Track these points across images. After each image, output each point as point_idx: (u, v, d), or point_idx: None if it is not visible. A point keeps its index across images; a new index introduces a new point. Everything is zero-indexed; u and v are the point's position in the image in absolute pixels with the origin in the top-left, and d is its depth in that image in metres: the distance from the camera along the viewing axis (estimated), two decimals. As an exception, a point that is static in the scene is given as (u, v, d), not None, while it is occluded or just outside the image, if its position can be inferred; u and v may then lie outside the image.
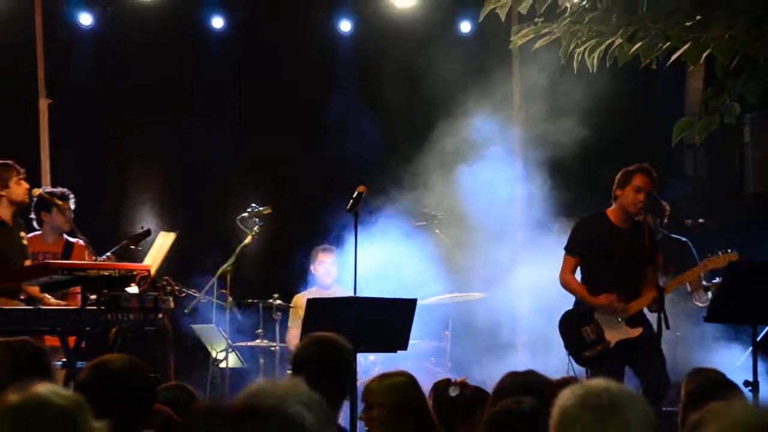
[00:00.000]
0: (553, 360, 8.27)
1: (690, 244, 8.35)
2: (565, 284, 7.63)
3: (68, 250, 8.11)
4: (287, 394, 2.28)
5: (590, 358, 7.44)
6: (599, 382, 2.65)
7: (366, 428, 4.60)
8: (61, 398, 2.39)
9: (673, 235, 8.67)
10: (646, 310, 7.51)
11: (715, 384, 4.56)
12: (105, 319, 6.73)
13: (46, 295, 7.42)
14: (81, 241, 7.86)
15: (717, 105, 6.66)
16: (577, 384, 2.68)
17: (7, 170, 7.38)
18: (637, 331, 7.40)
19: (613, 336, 7.43)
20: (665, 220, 7.45)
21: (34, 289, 7.36)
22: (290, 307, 9.38)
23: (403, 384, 4.57)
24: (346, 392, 4.54)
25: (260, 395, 2.31)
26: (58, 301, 7.58)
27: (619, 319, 7.43)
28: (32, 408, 2.34)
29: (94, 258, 7.52)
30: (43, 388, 2.41)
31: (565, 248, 7.71)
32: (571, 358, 7.58)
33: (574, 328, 7.55)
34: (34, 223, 8.13)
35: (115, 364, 3.90)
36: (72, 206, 7.99)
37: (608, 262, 7.50)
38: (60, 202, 7.84)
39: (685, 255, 8.22)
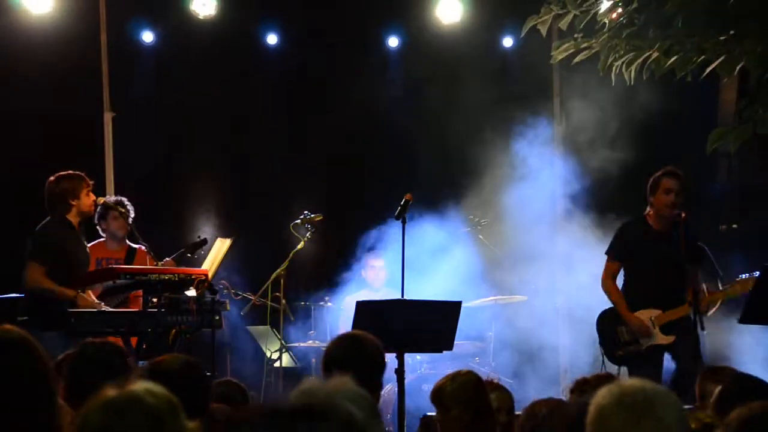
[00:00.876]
0: (593, 363, 8.46)
1: (706, 249, 8.48)
2: (606, 290, 7.77)
3: (131, 255, 8.32)
4: (336, 391, 2.31)
5: (622, 357, 7.61)
6: (635, 381, 2.68)
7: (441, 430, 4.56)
8: (153, 397, 2.41)
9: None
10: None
11: (748, 385, 4.40)
12: (165, 321, 7.00)
13: (101, 303, 7.68)
14: (143, 247, 8.13)
15: (750, 115, 6.84)
16: (614, 383, 2.70)
17: (80, 182, 7.56)
18: (669, 339, 7.53)
19: (645, 340, 7.59)
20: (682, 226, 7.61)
21: (92, 297, 7.64)
22: (341, 309, 9.65)
23: (475, 381, 4.60)
24: (379, 389, 4.46)
25: (310, 393, 2.32)
26: (112, 309, 7.79)
27: (654, 325, 7.58)
28: (122, 404, 2.38)
29: (155, 263, 7.81)
30: (138, 386, 2.43)
31: (606, 252, 7.86)
32: (604, 355, 7.76)
33: (611, 327, 7.71)
34: (100, 231, 8.42)
35: (173, 364, 3.96)
36: (131, 213, 8.23)
37: (647, 266, 7.64)
38: (121, 210, 8.07)
39: (703, 260, 8.34)
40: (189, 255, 7.93)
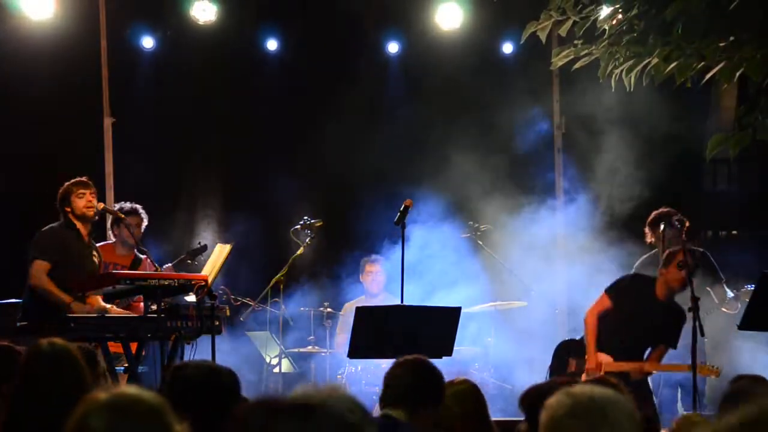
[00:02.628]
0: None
1: (708, 254, 8.52)
2: (586, 321, 7.73)
3: (136, 264, 8.38)
4: (329, 398, 2.30)
5: None
6: (584, 389, 2.71)
7: None
8: (149, 396, 2.43)
9: (692, 247, 8.79)
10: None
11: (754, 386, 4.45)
12: (165, 327, 6.94)
13: (112, 306, 7.70)
14: (144, 257, 8.14)
15: (749, 121, 6.84)
16: (562, 392, 2.72)
17: (71, 186, 7.64)
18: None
19: (587, 376, 7.50)
20: (683, 236, 7.66)
21: (97, 301, 7.66)
22: (340, 315, 9.67)
23: (469, 391, 4.56)
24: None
25: (305, 398, 2.29)
26: (122, 310, 7.82)
27: (601, 370, 7.47)
28: (125, 403, 2.39)
29: (155, 269, 7.81)
30: (130, 388, 2.46)
31: (607, 289, 7.76)
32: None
33: (564, 356, 7.80)
34: (111, 235, 8.49)
35: (223, 372, 3.92)
36: (145, 221, 8.30)
37: (632, 323, 7.60)
38: (123, 217, 8.09)
39: (704, 265, 8.38)
40: (189, 261, 7.95)
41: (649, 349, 7.66)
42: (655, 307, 7.59)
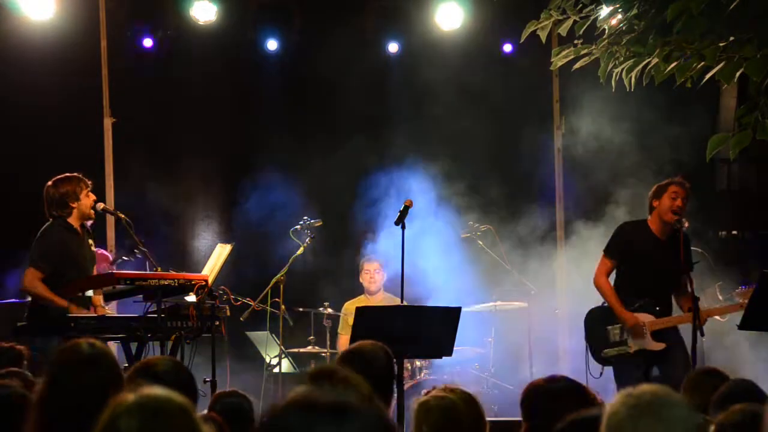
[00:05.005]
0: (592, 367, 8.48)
1: (706, 254, 8.52)
2: (599, 286, 7.76)
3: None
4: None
5: (608, 357, 7.59)
6: (648, 386, 2.74)
7: None
8: (177, 396, 2.42)
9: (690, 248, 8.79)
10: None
11: (742, 389, 4.43)
12: (165, 327, 6.99)
13: (105, 308, 7.72)
14: (101, 251, 8.05)
15: (749, 121, 6.83)
16: (623, 393, 2.76)
17: (79, 183, 7.50)
18: (659, 346, 7.50)
19: (635, 343, 7.54)
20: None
21: (98, 299, 7.66)
22: (339, 315, 9.68)
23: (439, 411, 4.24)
24: (391, 397, 4.34)
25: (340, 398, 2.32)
26: (111, 311, 7.81)
27: (646, 330, 7.54)
28: (156, 403, 2.37)
29: (153, 268, 7.79)
30: (156, 389, 2.42)
31: (605, 250, 7.88)
32: (590, 354, 7.72)
33: (601, 326, 7.69)
34: None
35: (161, 365, 3.97)
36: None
37: (644, 269, 7.67)
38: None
39: (702, 266, 8.38)
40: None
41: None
42: (658, 246, 7.64)
